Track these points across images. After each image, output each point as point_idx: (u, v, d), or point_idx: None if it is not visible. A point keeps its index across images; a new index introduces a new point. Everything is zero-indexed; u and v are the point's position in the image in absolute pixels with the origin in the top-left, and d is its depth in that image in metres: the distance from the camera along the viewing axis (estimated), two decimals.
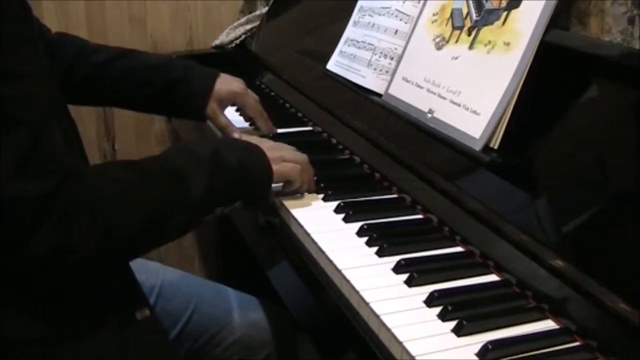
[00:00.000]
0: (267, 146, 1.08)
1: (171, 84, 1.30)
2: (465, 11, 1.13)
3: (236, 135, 1.30)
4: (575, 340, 0.80)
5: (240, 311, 1.26)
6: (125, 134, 2.04)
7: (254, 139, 1.15)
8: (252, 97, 1.36)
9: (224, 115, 1.33)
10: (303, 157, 1.12)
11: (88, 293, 0.91)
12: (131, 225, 0.87)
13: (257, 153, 1.04)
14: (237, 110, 1.43)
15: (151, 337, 0.97)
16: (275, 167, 1.04)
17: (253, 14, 1.93)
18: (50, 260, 0.81)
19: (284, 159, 1.08)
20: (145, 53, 1.40)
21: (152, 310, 0.98)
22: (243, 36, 1.92)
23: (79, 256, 0.82)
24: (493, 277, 0.92)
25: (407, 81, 1.21)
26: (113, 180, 0.89)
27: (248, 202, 1.03)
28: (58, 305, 0.89)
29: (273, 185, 1.06)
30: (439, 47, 1.17)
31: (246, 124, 1.42)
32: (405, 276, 0.90)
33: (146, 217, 0.89)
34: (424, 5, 1.25)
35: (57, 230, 0.80)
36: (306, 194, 1.13)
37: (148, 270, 1.24)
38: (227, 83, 1.33)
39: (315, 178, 1.14)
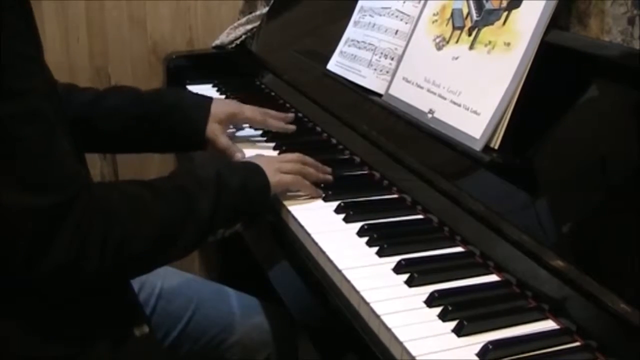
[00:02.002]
0: (264, 160, 1.11)
1: (166, 109, 1.27)
2: (465, 11, 1.13)
3: (239, 155, 1.26)
4: (575, 341, 0.80)
5: (241, 312, 1.26)
6: None
7: (253, 157, 1.17)
8: (248, 111, 1.34)
9: (225, 137, 1.29)
10: (298, 166, 1.13)
11: (89, 310, 0.91)
12: (144, 239, 0.89)
13: (256, 171, 1.06)
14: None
15: (149, 353, 0.98)
16: (273, 180, 1.07)
17: (253, 14, 1.93)
18: (65, 272, 0.82)
19: (281, 170, 1.10)
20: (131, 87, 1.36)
21: (151, 326, 0.99)
22: (243, 36, 1.91)
23: (93, 269, 0.84)
24: (493, 277, 0.92)
25: (408, 81, 1.21)
26: (125, 195, 0.91)
27: (248, 221, 1.06)
28: (60, 323, 0.89)
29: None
30: (439, 48, 1.17)
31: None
32: (405, 276, 0.90)
33: (158, 232, 0.91)
34: (424, 5, 1.25)
35: (72, 242, 0.81)
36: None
37: None
38: (222, 105, 1.32)
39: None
